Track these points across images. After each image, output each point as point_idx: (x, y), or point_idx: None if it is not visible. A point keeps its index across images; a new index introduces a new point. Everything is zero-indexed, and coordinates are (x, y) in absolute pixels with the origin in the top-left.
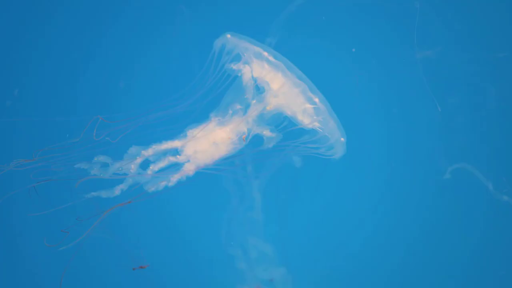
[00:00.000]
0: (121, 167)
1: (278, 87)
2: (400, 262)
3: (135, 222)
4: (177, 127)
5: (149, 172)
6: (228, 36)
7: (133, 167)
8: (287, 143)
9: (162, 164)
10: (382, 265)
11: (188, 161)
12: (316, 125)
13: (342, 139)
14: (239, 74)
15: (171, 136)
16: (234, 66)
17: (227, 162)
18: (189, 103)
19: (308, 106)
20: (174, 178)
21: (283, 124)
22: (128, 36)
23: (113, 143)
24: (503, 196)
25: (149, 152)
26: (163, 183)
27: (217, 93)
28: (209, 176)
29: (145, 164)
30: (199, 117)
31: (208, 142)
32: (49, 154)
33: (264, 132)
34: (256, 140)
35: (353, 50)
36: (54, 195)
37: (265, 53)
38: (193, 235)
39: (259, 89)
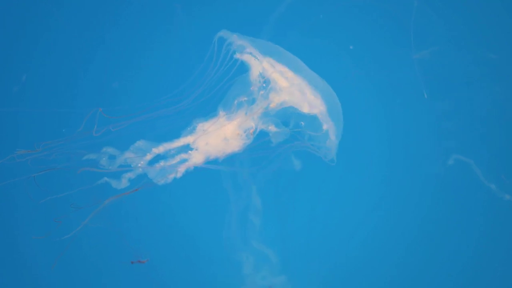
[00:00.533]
0: (127, 160)
1: (283, 86)
2: (401, 265)
3: (134, 218)
4: (183, 121)
5: (157, 167)
6: (235, 36)
7: (142, 163)
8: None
9: (173, 161)
10: (383, 268)
11: (197, 149)
12: (317, 114)
13: (333, 138)
14: (248, 66)
15: (177, 130)
16: (239, 56)
17: (227, 164)
18: (193, 97)
19: (314, 110)
20: (182, 169)
21: (294, 125)
22: (129, 36)
23: (122, 137)
24: (505, 195)
25: (160, 149)
26: (172, 176)
27: (220, 87)
28: (208, 179)
29: (154, 158)
30: (205, 111)
31: (218, 137)
32: (52, 145)
33: (270, 128)
34: (257, 142)
35: (351, 47)
36: (57, 185)
37: (271, 60)
38: (191, 236)
39: (265, 86)
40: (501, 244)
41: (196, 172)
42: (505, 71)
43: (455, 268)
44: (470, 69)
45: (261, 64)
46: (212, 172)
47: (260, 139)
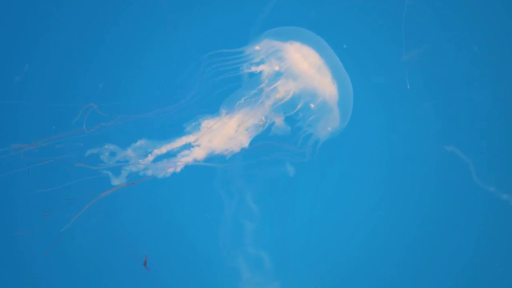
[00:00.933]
0: (128, 158)
1: (303, 70)
2: (399, 271)
3: (129, 214)
4: (187, 118)
5: (158, 165)
6: (257, 48)
7: (142, 162)
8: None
9: (175, 159)
10: (380, 272)
11: (199, 146)
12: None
13: (329, 128)
14: (259, 70)
15: (181, 127)
16: (255, 68)
17: (225, 162)
18: (192, 94)
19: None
20: (182, 163)
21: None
22: (129, 35)
23: (123, 134)
24: (503, 195)
25: (162, 150)
26: (171, 170)
27: (227, 83)
28: (207, 178)
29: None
30: (212, 108)
31: (223, 134)
32: (49, 140)
33: (276, 120)
34: (253, 144)
35: (345, 46)
36: (54, 179)
37: (297, 43)
38: (185, 237)
39: (278, 77)
40: (501, 244)
41: (195, 171)
42: (505, 71)
43: (455, 268)
44: (470, 69)
45: (281, 53)
46: (211, 171)
47: (256, 142)
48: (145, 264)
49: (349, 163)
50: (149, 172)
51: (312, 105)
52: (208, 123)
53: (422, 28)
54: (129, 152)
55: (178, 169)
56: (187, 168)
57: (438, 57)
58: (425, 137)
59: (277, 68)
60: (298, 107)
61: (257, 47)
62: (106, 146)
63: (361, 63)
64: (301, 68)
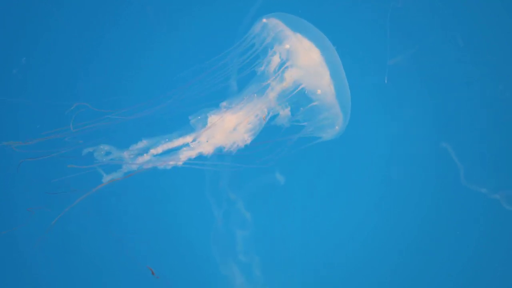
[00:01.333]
0: (123, 158)
1: (306, 62)
2: (393, 276)
3: (124, 210)
4: (192, 112)
5: (160, 164)
6: (264, 20)
7: (139, 159)
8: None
9: (177, 155)
10: (371, 277)
11: (199, 142)
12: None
13: (337, 127)
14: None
15: (186, 123)
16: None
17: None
18: (198, 89)
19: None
20: (184, 158)
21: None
22: (129, 35)
23: (122, 134)
24: (495, 195)
25: (158, 150)
26: (172, 163)
27: (230, 78)
28: (195, 188)
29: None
30: (215, 102)
31: (225, 129)
32: (45, 137)
33: (281, 112)
34: (251, 150)
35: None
36: (49, 175)
37: (300, 35)
38: (178, 242)
39: (283, 68)
40: (500, 244)
41: (188, 174)
42: (505, 71)
43: (454, 267)
44: (469, 69)
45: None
46: (205, 174)
47: (257, 139)
48: (153, 273)
49: (343, 167)
50: (147, 166)
51: (319, 91)
52: (213, 118)
53: (421, 28)
54: (125, 154)
55: (180, 163)
56: (181, 171)
57: (437, 57)
58: (422, 137)
59: (287, 46)
60: (299, 89)
61: (264, 20)
62: (102, 146)
63: (359, 63)
64: (306, 52)
